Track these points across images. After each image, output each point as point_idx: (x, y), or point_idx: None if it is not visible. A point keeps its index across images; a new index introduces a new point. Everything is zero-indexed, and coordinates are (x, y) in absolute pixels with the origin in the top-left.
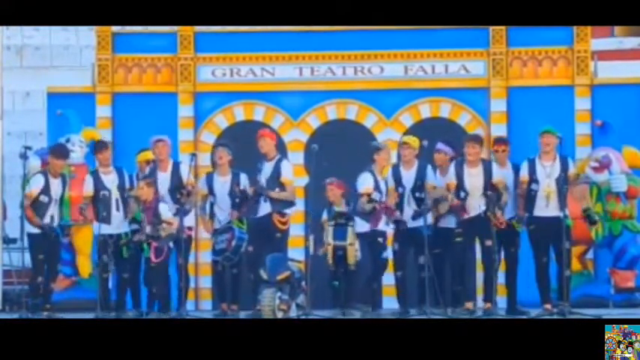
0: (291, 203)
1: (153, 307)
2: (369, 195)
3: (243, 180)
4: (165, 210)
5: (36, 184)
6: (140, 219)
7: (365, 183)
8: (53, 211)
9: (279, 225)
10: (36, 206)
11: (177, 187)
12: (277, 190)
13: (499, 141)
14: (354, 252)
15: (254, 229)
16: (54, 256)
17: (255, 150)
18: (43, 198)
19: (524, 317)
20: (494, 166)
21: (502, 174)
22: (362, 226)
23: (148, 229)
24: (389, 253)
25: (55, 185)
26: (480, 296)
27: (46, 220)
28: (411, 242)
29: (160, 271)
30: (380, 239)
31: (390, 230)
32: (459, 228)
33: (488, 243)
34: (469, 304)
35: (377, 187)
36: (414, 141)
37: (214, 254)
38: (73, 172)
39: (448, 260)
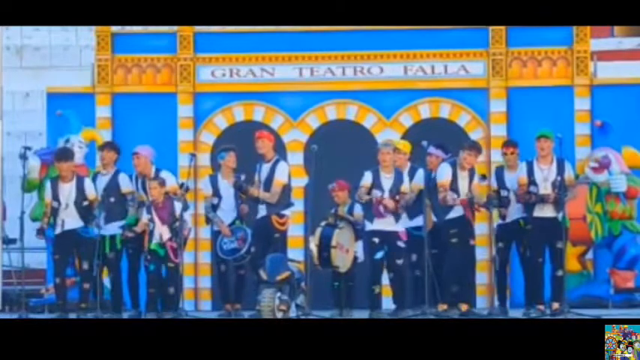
0: (286, 205)
1: (156, 307)
2: (366, 187)
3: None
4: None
5: (48, 193)
6: (131, 221)
7: (364, 179)
8: (64, 215)
9: (278, 226)
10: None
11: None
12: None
13: (507, 143)
14: (337, 254)
15: (253, 230)
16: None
17: (255, 150)
18: (54, 204)
19: (523, 317)
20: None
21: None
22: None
23: (164, 229)
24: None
25: (66, 190)
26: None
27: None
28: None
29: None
30: (375, 239)
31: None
32: (455, 228)
33: (472, 242)
34: (464, 306)
35: (378, 186)
36: (405, 145)
37: (224, 254)
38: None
39: (446, 260)
